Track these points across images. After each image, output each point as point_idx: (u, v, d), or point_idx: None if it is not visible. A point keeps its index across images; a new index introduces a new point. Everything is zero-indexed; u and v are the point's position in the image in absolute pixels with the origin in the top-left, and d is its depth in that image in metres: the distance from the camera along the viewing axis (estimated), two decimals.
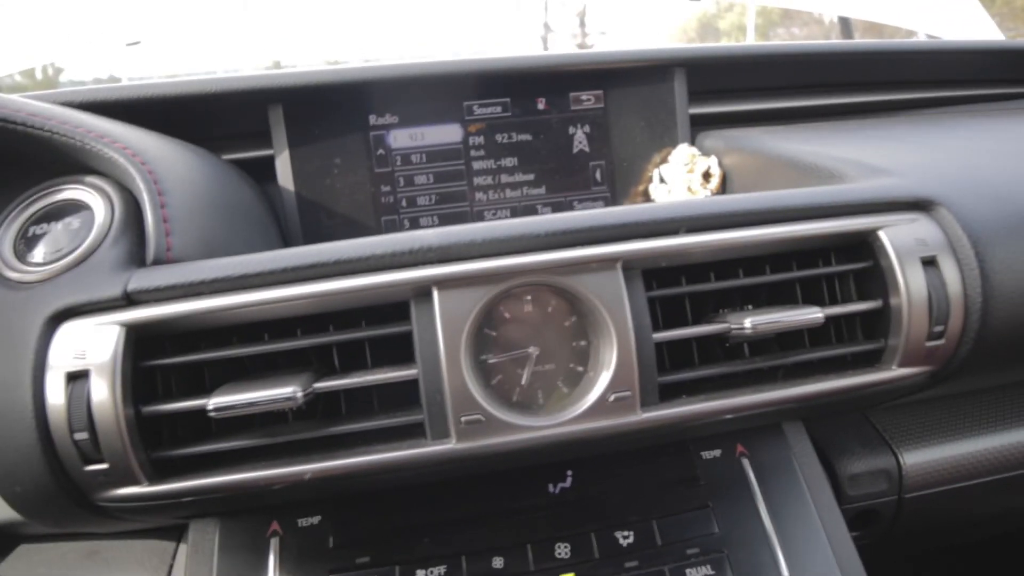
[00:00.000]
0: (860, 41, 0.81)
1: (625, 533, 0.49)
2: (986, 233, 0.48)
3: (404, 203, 0.76)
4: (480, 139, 0.77)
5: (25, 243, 0.49)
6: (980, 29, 1.29)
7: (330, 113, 0.74)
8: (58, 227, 0.49)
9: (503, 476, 0.51)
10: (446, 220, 0.77)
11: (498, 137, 0.77)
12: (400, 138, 0.75)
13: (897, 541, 0.66)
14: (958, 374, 0.50)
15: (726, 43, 0.81)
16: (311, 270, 0.43)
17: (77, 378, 0.41)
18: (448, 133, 0.76)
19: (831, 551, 0.50)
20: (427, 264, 0.44)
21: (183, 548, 0.55)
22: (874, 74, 0.85)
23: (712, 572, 0.48)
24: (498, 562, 0.48)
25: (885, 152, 0.60)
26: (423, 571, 0.48)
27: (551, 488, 0.52)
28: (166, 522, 0.51)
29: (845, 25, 1.36)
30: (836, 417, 0.62)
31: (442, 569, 0.48)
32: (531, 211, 0.78)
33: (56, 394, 0.41)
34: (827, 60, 0.81)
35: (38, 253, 0.48)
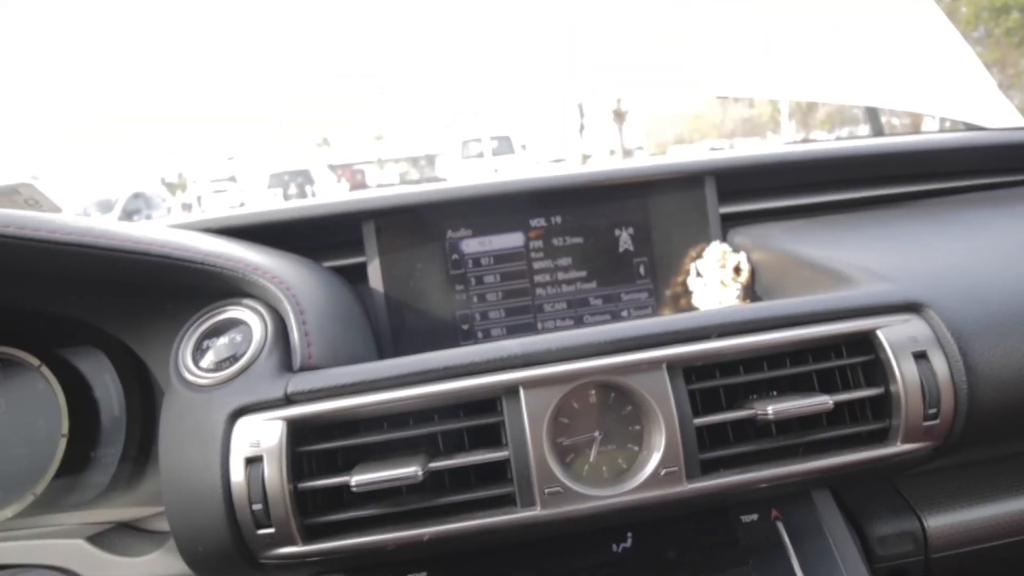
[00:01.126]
0: (870, 142, 0.94)
1: None
2: (967, 330, 0.60)
3: (476, 299, 0.91)
4: (539, 243, 0.92)
5: (200, 353, 0.65)
6: (997, 111, 1.39)
7: (413, 226, 0.90)
8: (224, 340, 0.65)
9: (574, 538, 0.63)
10: (512, 313, 0.91)
11: (554, 241, 0.92)
12: (472, 245, 0.91)
13: None
14: (957, 448, 0.60)
15: (750, 150, 0.95)
16: (425, 375, 0.57)
17: (252, 462, 0.55)
18: (512, 240, 0.91)
19: None
20: (513, 368, 0.57)
21: None
22: (884, 170, 0.98)
23: None
24: None
25: (881, 253, 0.72)
26: None
27: (614, 547, 0.63)
28: None
29: (872, 115, 1.49)
30: (863, 485, 0.72)
31: None
32: (584, 303, 0.92)
33: (238, 475, 0.55)
34: (841, 161, 0.95)
35: (209, 361, 0.64)
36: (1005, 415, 0.60)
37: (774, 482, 0.58)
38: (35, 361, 0.81)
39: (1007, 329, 0.61)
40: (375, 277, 0.90)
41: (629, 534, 0.64)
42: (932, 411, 0.58)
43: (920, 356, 0.59)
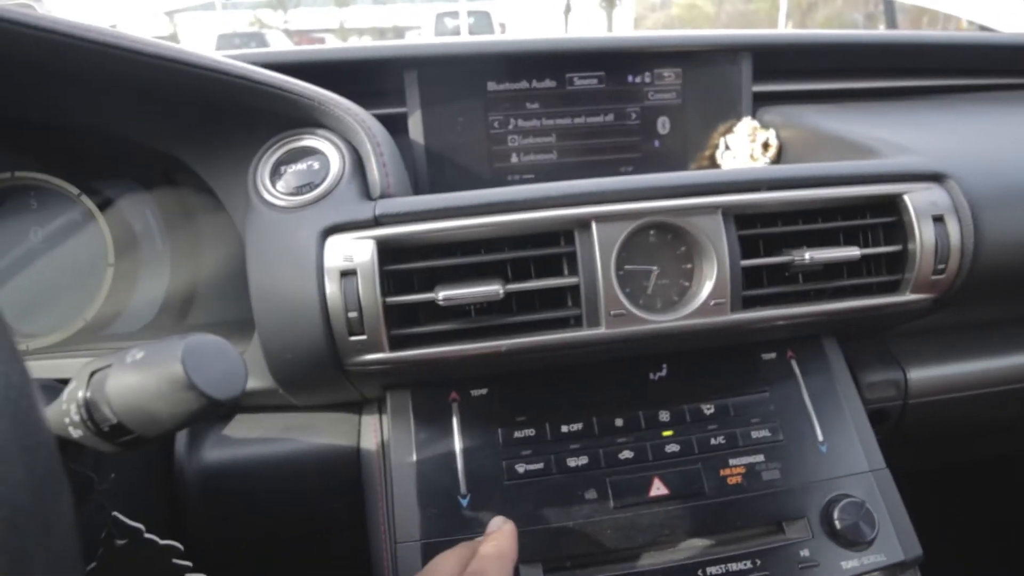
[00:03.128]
0: (900, 33, 1.01)
1: (708, 406, 0.73)
2: (982, 200, 0.70)
3: (514, 157, 0.97)
4: (579, 106, 0.97)
5: (277, 178, 0.70)
6: (1015, 14, 1.45)
7: (455, 78, 0.94)
8: (302, 166, 0.70)
9: (618, 365, 0.74)
10: (550, 171, 0.98)
11: (592, 104, 0.98)
12: (512, 103, 0.96)
13: (903, 440, 0.90)
14: (953, 301, 0.73)
15: (786, 31, 1.00)
16: (506, 206, 0.64)
17: (346, 275, 0.63)
18: (553, 99, 0.96)
19: (851, 425, 0.74)
20: (585, 204, 0.65)
21: (365, 419, 0.78)
22: (912, 62, 1.05)
23: (769, 433, 0.72)
24: (619, 422, 0.71)
25: (912, 133, 0.81)
26: (566, 426, 0.71)
27: (652, 376, 0.75)
28: (373, 391, 0.74)
29: (889, 8, 1.54)
30: (862, 339, 0.85)
31: (579, 425, 0.71)
32: (618, 164, 0.99)
33: (333, 286, 0.62)
34: (871, 49, 1.02)
35: (286, 185, 0.69)
36: (999, 275, 0.72)
37: (798, 319, 0.69)
38: (74, 190, 0.84)
39: (1015, 202, 0.72)
40: (416, 128, 0.94)
41: (664, 365, 0.75)
42: (940, 267, 0.69)
43: (938, 219, 0.69)
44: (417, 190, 0.95)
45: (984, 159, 0.75)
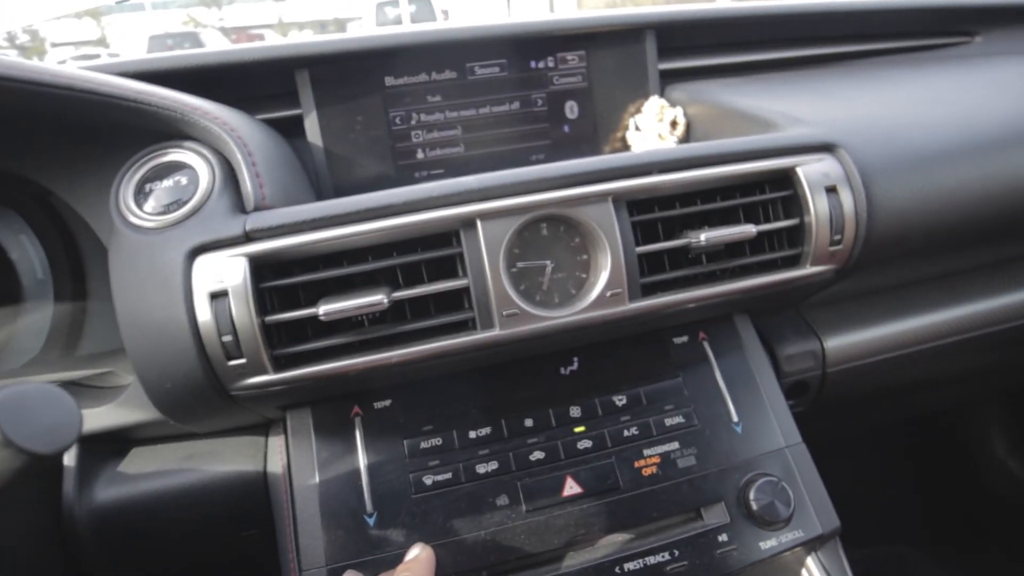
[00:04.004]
0: (799, 2, 1.00)
1: (620, 397, 0.71)
2: (873, 168, 0.69)
3: (418, 153, 0.93)
4: (482, 96, 0.94)
5: (143, 197, 0.65)
6: None
7: (350, 76, 0.90)
8: (168, 183, 0.65)
9: (526, 363, 0.72)
10: (454, 165, 0.94)
11: (496, 94, 0.94)
12: (413, 97, 0.92)
13: (825, 409, 0.90)
14: (855, 270, 0.72)
15: (689, 6, 0.98)
16: (385, 210, 0.61)
17: (217, 297, 0.59)
18: (454, 90, 0.93)
19: (766, 402, 0.73)
20: (469, 202, 0.62)
21: (271, 441, 0.74)
22: (812, 31, 1.05)
23: (683, 420, 0.70)
24: (529, 422, 0.69)
25: (806, 104, 0.80)
26: (474, 432, 0.68)
27: (562, 370, 0.72)
28: (270, 412, 0.70)
29: None
30: (776, 313, 0.85)
31: (487, 429, 0.68)
32: (528, 153, 0.97)
33: (203, 309, 0.58)
34: (772, 20, 1.00)
35: (154, 205, 0.64)
36: (895, 241, 0.71)
37: (703, 302, 0.67)
38: None
39: (906, 169, 0.72)
40: (313, 130, 0.90)
41: (575, 358, 0.73)
42: (837, 237, 0.68)
43: (831, 190, 0.68)
44: (320, 195, 0.91)
45: (876, 127, 0.74)
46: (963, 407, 1.42)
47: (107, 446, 0.74)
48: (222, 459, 0.74)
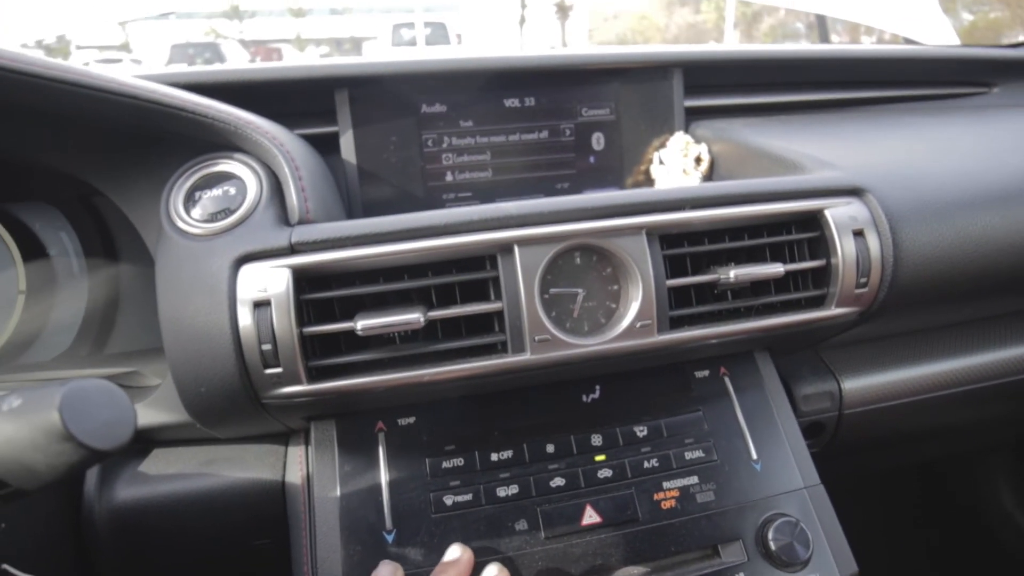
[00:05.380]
0: (826, 47, 1.03)
1: (641, 428, 0.72)
2: (899, 213, 0.71)
3: (448, 176, 0.95)
4: (513, 124, 0.96)
5: (192, 204, 0.67)
6: (937, 27, 1.51)
7: (387, 97, 0.92)
8: (217, 192, 0.67)
9: (549, 389, 0.73)
10: (483, 191, 0.96)
11: (526, 122, 0.97)
12: (446, 121, 0.94)
13: (840, 450, 0.91)
14: (878, 313, 0.73)
15: (716, 46, 1.01)
16: (427, 231, 0.63)
17: (260, 305, 0.60)
18: (486, 117, 0.95)
19: (785, 441, 0.74)
20: (507, 228, 0.63)
21: (291, 451, 0.75)
22: (837, 75, 1.08)
23: (703, 454, 0.71)
24: (550, 448, 0.70)
25: (833, 147, 0.82)
26: (496, 455, 0.69)
27: (584, 398, 0.73)
28: (295, 422, 0.71)
29: (821, 23, 1.58)
30: (795, 352, 0.86)
31: (509, 453, 0.69)
32: (554, 181, 0.98)
33: (246, 317, 0.60)
34: (797, 63, 1.03)
35: (201, 212, 0.66)
36: (920, 286, 0.73)
37: (728, 337, 0.69)
38: None
39: (931, 215, 0.73)
40: (348, 148, 0.92)
41: (597, 386, 0.74)
42: (863, 280, 0.70)
43: (858, 234, 0.70)
44: (350, 210, 0.92)
45: (902, 173, 0.76)
46: (972, 456, 1.42)
47: (130, 444, 0.75)
48: (242, 465, 0.74)
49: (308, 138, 0.91)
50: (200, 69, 0.86)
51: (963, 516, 1.46)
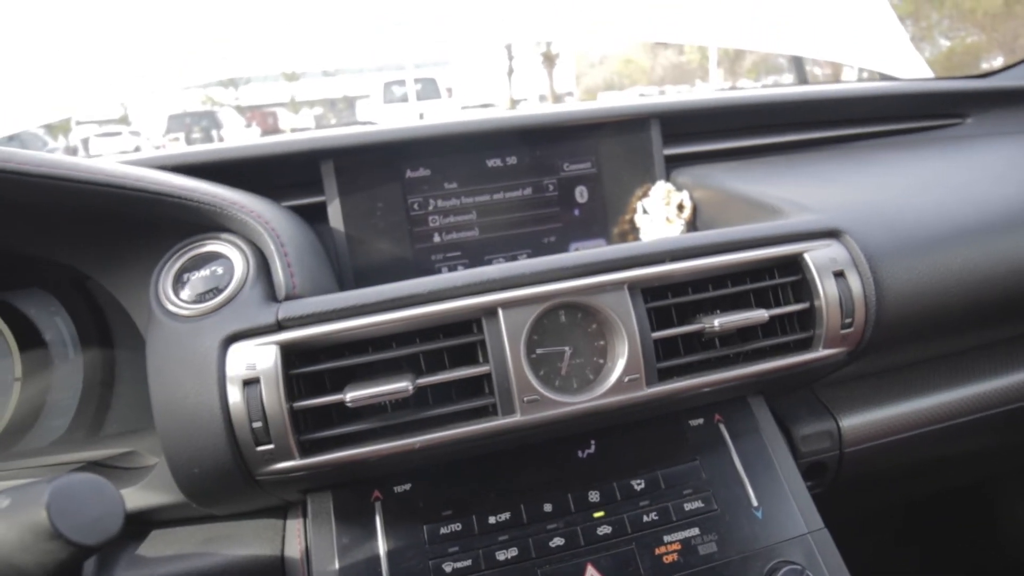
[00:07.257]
0: (800, 89, 1.06)
1: (638, 481, 0.71)
2: (878, 253, 0.72)
3: (435, 238, 0.97)
4: (495, 183, 0.98)
5: (180, 286, 0.68)
6: (909, 61, 1.55)
7: (372, 166, 0.95)
8: (205, 273, 0.69)
9: (544, 448, 0.73)
10: (471, 251, 0.98)
11: (510, 180, 0.99)
12: (430, 184, 0.96)
13: (844, 489, 0.90)
14: (866, 352, 0.74)
15: (692, 95, 1.04)
16: (410, 300, 0.64)
17: (249, 383, 0.61)
18: (470, 178, 0.97)
19: (785, 486, 0.73)
20: (490, 291, 0.65)
21: (289, 524, 0.74)
22: (813, 115, 1.11)
23: (703, 505, 0.70)
24: (548, 507, 0.69)
25: (811, 189, 0.84)
26: (493, 517, 0.68)
27: (579, 453, 0.73)
28: (291, 496, 0.71)
29: (798, 64, 1.63)
30: (790, 393, 0.86)
31: (507, 515, 0.69)
32: (541, 236, 1.00)
33: (235, 395, 0.60)
34: (774, 107, 1.06)
35: (190, 293, 0.67)
36: (905, 323, 0.74)
37: (718, 385, 0.69)
38: None
39: (910, 252, 0.75)
40: (335, 217, 0.94)
41: (592, 441, 0.74)
42: (848, 320, 0.71)
43: (839, 275, 0.71)
44: (341, 277, 0.94)
45: (878, 211, 0.77)
46: (984, 483, 1.40)
47: (128, 528, 0.74)
48: (240, 543, 0.74)
49: (296, 209, 0.93)
50: (188, 150, 0.89)
51: (982, 548, 1.42)
